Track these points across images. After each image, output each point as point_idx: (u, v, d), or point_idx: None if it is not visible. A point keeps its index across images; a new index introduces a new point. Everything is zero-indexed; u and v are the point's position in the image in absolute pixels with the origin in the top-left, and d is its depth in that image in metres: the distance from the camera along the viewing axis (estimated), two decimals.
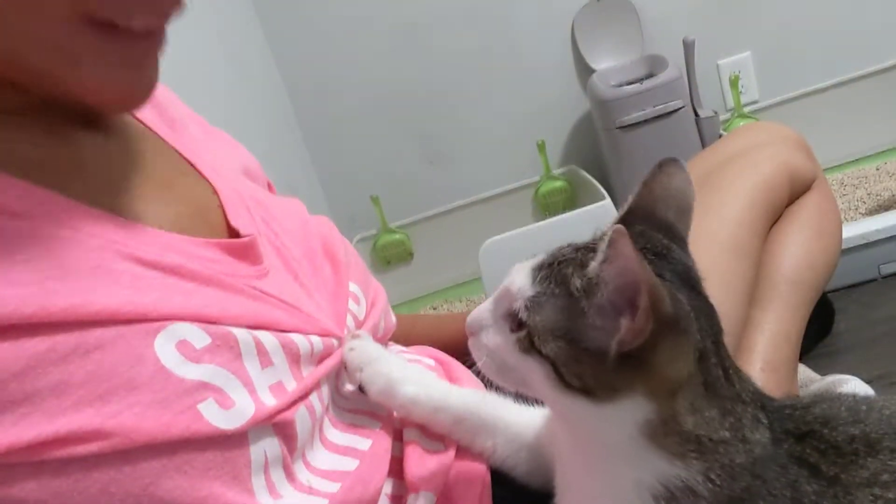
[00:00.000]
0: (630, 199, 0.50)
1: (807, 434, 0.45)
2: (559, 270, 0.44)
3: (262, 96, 1.89)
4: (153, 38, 0.45)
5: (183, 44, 1.39)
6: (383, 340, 0.67)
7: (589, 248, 0.45)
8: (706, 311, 0.45)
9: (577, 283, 0.43)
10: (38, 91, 0.43)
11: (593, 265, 0.42)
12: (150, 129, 0.57)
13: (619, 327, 0.40)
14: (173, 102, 0.64)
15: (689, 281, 0.46)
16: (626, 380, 0.42)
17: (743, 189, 0.82)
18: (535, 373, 0.44)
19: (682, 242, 0.49)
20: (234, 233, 0.53)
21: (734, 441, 0.43)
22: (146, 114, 0.59)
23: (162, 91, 0.65)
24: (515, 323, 0.45)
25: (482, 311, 0.48)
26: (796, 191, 0.86)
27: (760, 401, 0.46)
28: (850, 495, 0.43)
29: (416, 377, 0.56)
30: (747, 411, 0.44)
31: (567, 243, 0.47)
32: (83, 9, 0.40)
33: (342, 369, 0.55)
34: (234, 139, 0.72)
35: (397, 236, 2.14)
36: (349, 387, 0.56)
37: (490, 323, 0.47)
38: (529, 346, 0.44)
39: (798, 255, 0.83)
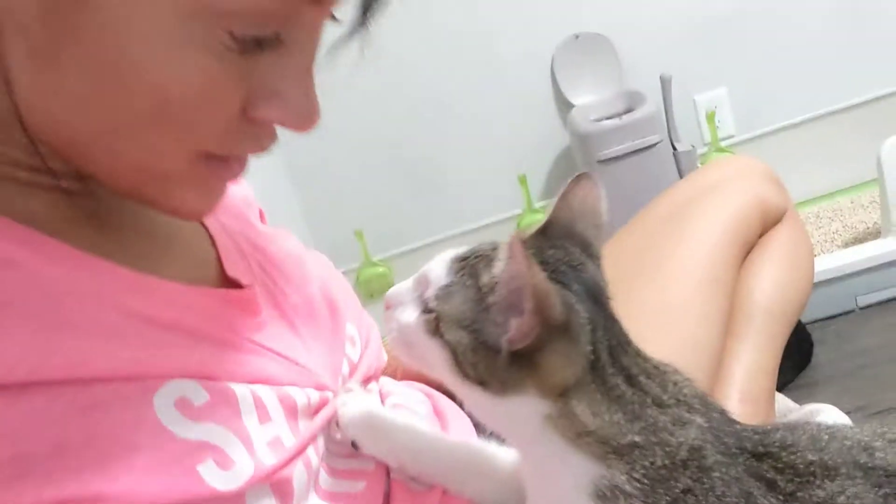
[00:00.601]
0: (550, 211, 0.52)
1: (765, 454, 0.46)
2: (473, 265, 0.47)
3: None
4: (243, 164, 0.47)
5: None
6: (375, 377, 0.66)
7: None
8: (607, 324, 0.47)
9: (484, 279, 0.45)
10: (106, 183, 0.44)
11: (497, 265, 0.45)
12: None
13: (510, 326, 0.43)
14: None
15: (596, 295, 0.47)
16: (516, 377, 0.44)
17: (716, 221, 0.83)
18: (437, 356, 0.47)
19: (596, 259, 0.51)
20: (228, 279, 0.52)
21: (648, 445, 0.44)
22: None
23: None
24: (427, 307, 0.48)
25: (402, 287, 0.51)
26: (768, 223, 0.88)
27: (701, 406, 0.47)
28: None
29: (407, 431, 0.56)
30: (666, 414, 0.45)
31: (490, 241, 0.50)
32: (205, 148, 0.42)
33: (335, 418, 0.55)
34: None
35: (380, 269, 2.14)
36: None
37: (407, 300, 0.49)
38: (435, 329, 0.46)
39: (771, 285, 0.84)
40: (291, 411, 0.48)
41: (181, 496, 0.38)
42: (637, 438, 0.44)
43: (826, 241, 1.81)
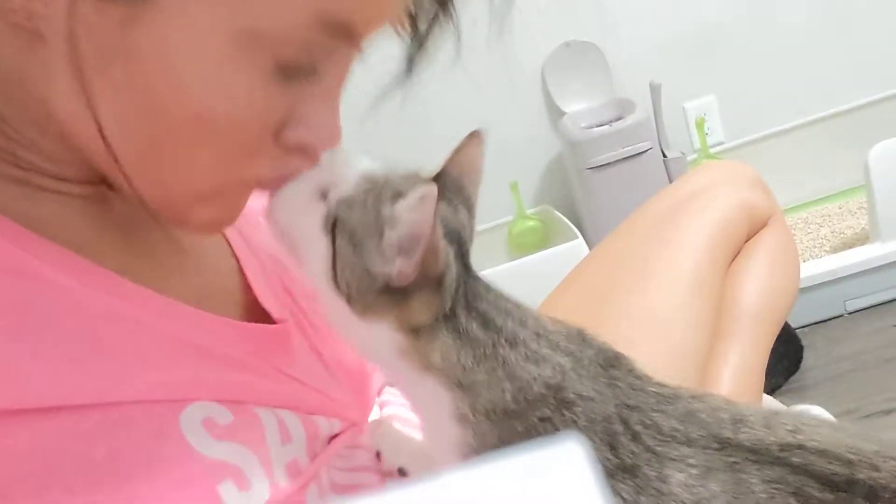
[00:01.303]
0: (443, 164, 0.55)
1: (635, 408, 0.48)
2: (380, 191, 0.48)
3: None
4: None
5: None
6: (380, 392, 0.66)
7: (414, 183, 0.49)
8: (467, 278, 0.49)
9: (386, 211, 0.46)
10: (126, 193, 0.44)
11: (401, 204, 0.45)
12: None
13: (394, 264, 0.45)
14: None
15: (464, 250, 0.50)
16: (380, 306, 0.46)
17: (703, 226, 0.84)
18: (318, 255, 0.47)
19: (472, 214, 0.55)
20: (258, 306, 0.53)
21: (494, 381, 0.46)
22: None
23: None
24: (330, 206, 0.48)
25: (300, 180, 0.49)
26: (754, 227, 0.89)
27: (571, 344, 0.49)
28: (662, 465, 0.46)
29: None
30: (518, 352, 0.47)
31: (405, 171, 0.52)
32: (239, 170, 0.43)
33: (349, 440, 0.55)
34: None
35: None
36: (353, 443, 0.57)
37: (304, 192, 0.49)
38: (329, 230, 0.47)
39: (758, 288, 0.85)
40: (313, 435, 0.48)
41: None
42: (481, 377, 0.46)
43: (815, 247, 1.82)
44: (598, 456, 0.45)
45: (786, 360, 1.49)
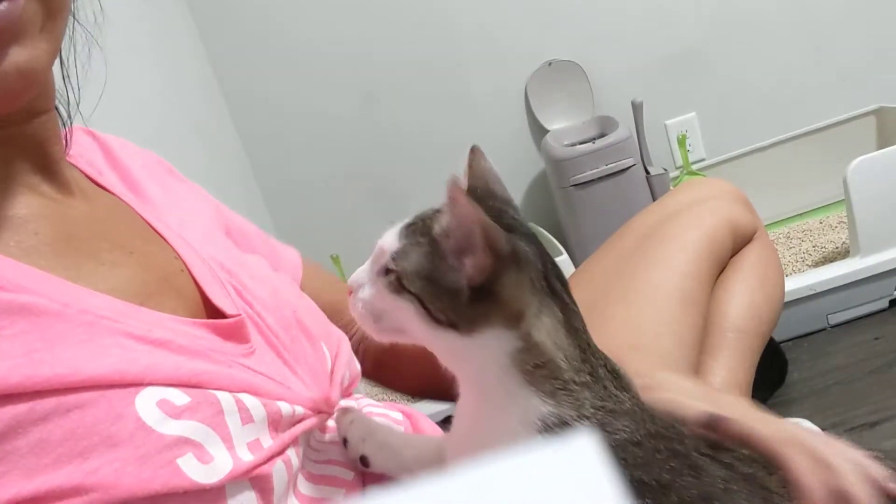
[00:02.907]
0: (465, 179, 0.57)
1: (724, 449, 0.49)
2: (423, 224, 0.51)
3: (221, 156, 1.90)
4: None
5: (145, 104, 1.41)
6: (348, 391, 0.67)
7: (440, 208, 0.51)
8: (547, 260, 0.52)
9: (436, 230, 0.49)
10: None
11: (444, 216, 0.49)
12: (110, 192, 0.58)
13: (466, 265, 0.47)
14: (133, 162, 0.64)
15: (531, 237, 0.52)
16: (481, 312, 0.48)
17: (688, 241, 0.85)
18: (406, 311, 0.50)
19: (517, 211, 0.56)
20: (211, 306, 0.53)
21: (596, 387, 0.48)
22: (109, 178, 0.60)
23: (123, 148, 0.65)
24: (387, 270, 0.51)
25: (360, 271, 0.53)
26: (738, 243, 0.89)
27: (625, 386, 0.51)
28: (765, 491, 0.47)
29: (415, 445, 0.58)
30: (603, 370, 0.50)
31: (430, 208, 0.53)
32: None
33: (318, 427, 0.55)
34: (201, 189, 0.72)
35: None
36: (327, 437, 0.57)
37: (367, 280, 0.52)
38: (399, 286, 0.50)
39: (743, 303, 0.86)
40: (275, 419, 0.49)
41: (161, 488, 0.39)
42: (587, 378, 0.48)
43: (797, 261, 1.84)
44: (679, 486, 0.46)
45: (771, 373, 1.49)
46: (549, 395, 0.47)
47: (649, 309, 0.80)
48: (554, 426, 0.46)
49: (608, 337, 0.77)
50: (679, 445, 0.48)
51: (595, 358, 0.50)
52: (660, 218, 0.89)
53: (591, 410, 0.47)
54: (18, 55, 0.42)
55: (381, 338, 0.53)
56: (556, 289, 0.50)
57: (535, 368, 0.47)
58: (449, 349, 0.50)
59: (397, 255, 0.50)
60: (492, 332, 0.48)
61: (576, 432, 0.44)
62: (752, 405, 0.56)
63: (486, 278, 0.47)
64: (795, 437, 0.50)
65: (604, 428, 0.46)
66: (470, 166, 0.57)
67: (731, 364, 0.82)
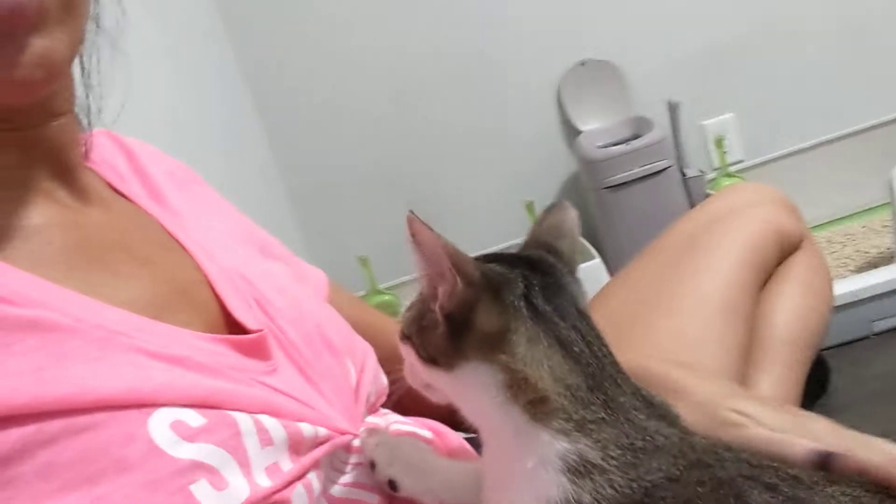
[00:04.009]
0: (529, 233, 0.56)
1: (765, 466, 0.46)
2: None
3: (247, 158, 1.90)
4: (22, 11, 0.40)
5: (174, 113, 1.40)
6: (375, 407, 0.64)
7: None
8: (554, 291, 0.48)
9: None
10: None
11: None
12: (131, 199, 0.56)
13: (439, 295, 0.46)
14: (156, 168, 0.63)
15: (567, 298, 0.49)
16: (457, 345, 0.46)
17: (732, 249, 0.81)
18: (410, 356, 0.49)
19: (568, 266, 0.53)
20: (232, 321, 0.52)
21: (618, 422, 0.44)
22: (131, 184, 0.58)
23: (147, 153, 0.64)
24: None
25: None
26: (785, 250, 0.86)
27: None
28: None
29: (445, 469, 0.56)
30: (628, 398, 0.45)
31: None
32: None
33: (342, 448, 0.53)
34: (223, 200, 0.71)
35: (386, 297, 2.12)
36: (352, 459, 0.55)
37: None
38: (403, 336, 0.50)
39: (791, 313, 0.82)
40: (296, 440, 0.47)
41: None
42: (602, 413, 0.44)
43: (839, 267, 1.79)
44: None
45: (813, 383, 1.45)
46: (562, 433, 0.43)
47: (694, 320, 0.77)
48: (578, 466, 0.43)
49: (652, 349, 0.74)
50: (722, 472, 0.44)
51: (614, 386, 0.46)
52: (702, 224, 0.86)
53: (618, 451, 0.43)
54: (38, 45, 0.41)
55: (424, 393, 0.52)
56: (542, 311, 0.46)
57: (533, 405, 0.44)
58: (447, 390, 0.49)
59: (408, 308, 0.51)
60: (468, 365, 0.46)
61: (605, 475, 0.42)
62: (832, 423, 0.53)
63: (458, 306, 0.45)
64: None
65: (636, 470, 0.43)
66: (538, 223, 0.55)
67: (780, 377, 0.78)
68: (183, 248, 0.55)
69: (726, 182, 2.03)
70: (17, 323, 0.37)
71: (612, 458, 0.43)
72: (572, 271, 0.52)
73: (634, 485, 0.42)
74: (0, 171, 0.45)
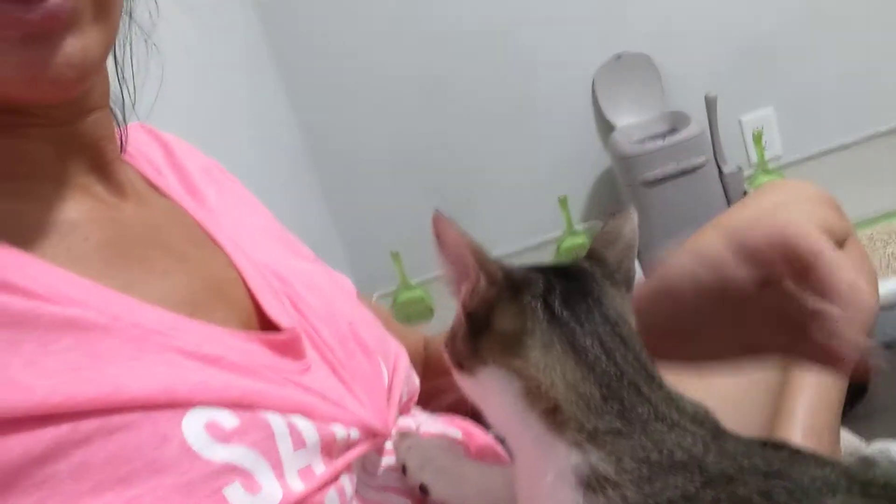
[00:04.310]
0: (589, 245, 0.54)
1: (776, 475, 0.43)
2: None
3: (284, 155, 1.90)
4: (35, 2, 0.40)
5: (207, 105, 1.41)
6: (407, 407, 0.64)
7: None
8: (608, 336, 0.46)
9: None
10: None
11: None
12: (166, 194, 0.56)
13: (462, 293, 0.46)
14: (193, 163, 0.62)
15: (592, 303, 0.47)
16: (477, 348, 0.46)
17: None
18: (447, 362, 0.49)
19: (610, 274, 0.51)
20: (265, 318, 0.51)
21: (635, 433, 0.42)
22: (167, 177, 0.58)
23: (182, 148, 0.64)
24: None
25: None
26: None
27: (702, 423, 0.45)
28: None
29: (478, 473, 0.55)
30: (648, 407, 0.43)
31: None
32: None
33: (374, 450, 0.53)
34: (255, 198, 0.70)
35: (417, 292, 2.12)
36: (384, 462, 0.54)
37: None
38: (444, 343, 0.50)
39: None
40: (328, 442, 0.46)
41: None
42: (618, 424, 0.42)
43: (881, 266, 1.74)
44: None
45: (851, 385, 1.42)
46: (575, 445, 0.42)
47: None
48: (591, 480, 0.41)
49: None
50: (742, 489, 0.42)
51: (634, 395, 0.44)
52: (744, 220, 0.83)
53: (632, 465, 0.41)
54: (72, 45, 0.41)
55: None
56: (558, 315, 0.45)
57: (548, 414, 0.43)
58: (474, 397, 0.48)
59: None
60: (486, 370, 0.45)
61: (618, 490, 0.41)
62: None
63: (480, 304, 0.45)
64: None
65: (651, 486, 0.41)
66: (602, 227, 0.54)
67: (822, 379, 0.76)
68: (217, 244, 0.55)
69: (764, 178, 1.98)
70: (54, 321, 0.37)
71: (626, 471, 0.41)
72: (613, 279, 0.50)
73: (650, 501, 0.40)
74: (36, 167, 0.45)
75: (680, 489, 0.41)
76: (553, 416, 0.43)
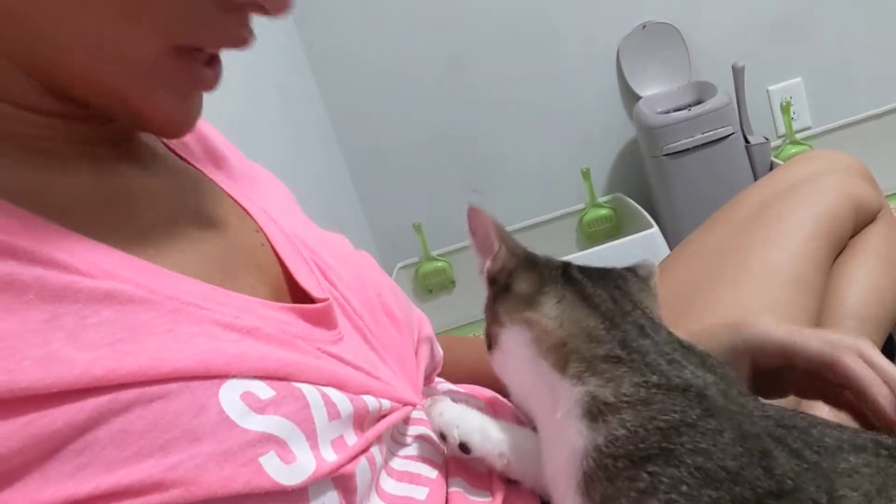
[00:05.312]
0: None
1: (791, 427, 0.45)
2: None
3: (308, 128, 1.90)
4: (217, 65, 0.47)
5: (232, 80, 1.40)
6: (431, 378, 0.64)
7: None
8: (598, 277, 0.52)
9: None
10: (98, 109, 0.45)
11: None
12: (192, 164, 0.56)
13: (486, 264, 0.53)
14: (215, 136, 0.63)
15: (610, 282, 0.52)
16: (498, 313, 0.52)
17: (805, 219, 0.78)
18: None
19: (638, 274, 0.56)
20: (295, 285, 0.52)
21: (633, 362, 0.45)
22: (193, 148, 0.58)
23: (203, 124, 0.64)
24: None
25: None
26: (861, 221, 0.82)
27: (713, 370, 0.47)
28: (830, 481, 0.41)
29: (511, 431, 0.56)
30: (649, 342, 0.47)
31: None
32: (177, 39, 0.42)
33: (402, 419, 0.53)
34: (271, 174, 0.71)
35: (439, 264, 2.12)
36: (411, 431, 0.55)
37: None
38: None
39: (865, 288, 0.79)
40: (361, 413, 0.47)
41: (242, 488, 0.37)
42: (618, 351, 0.45)
43: None
44: (749, 478, 0.40)
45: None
46: (576, 377, 0.45)
47: (760, 292, 0.74)
48: (592, 407, 0.43)
49: (714, 321, 0.72)
50: (749, 426, 0.43)
51: (636, 330, 0.47)
52: (773, 193, 0.82)
53: (631, 389, 0.43)
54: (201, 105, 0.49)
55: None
56: (575, 278, 0.51)
57: (554, 352, 0.46)
58: (500, 371, 0.53)
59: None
60: (505, 332, 0.50)
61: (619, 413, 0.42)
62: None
63: (500, 271, 0.52)
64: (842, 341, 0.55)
65: (648, 409, 0.42)
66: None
67: None
68: (246, 212, 0.55)
69: (792, 150, 1.95)
70: (93, 295, 0.37)
71: (625, 395, 0.43)
72: (636, 274, 0.55)
73: (649, 425, 0.41)
74: (68, 146, 0.45)
75: (679, 414, 0.42)
76: (559, 353, 0.46)
